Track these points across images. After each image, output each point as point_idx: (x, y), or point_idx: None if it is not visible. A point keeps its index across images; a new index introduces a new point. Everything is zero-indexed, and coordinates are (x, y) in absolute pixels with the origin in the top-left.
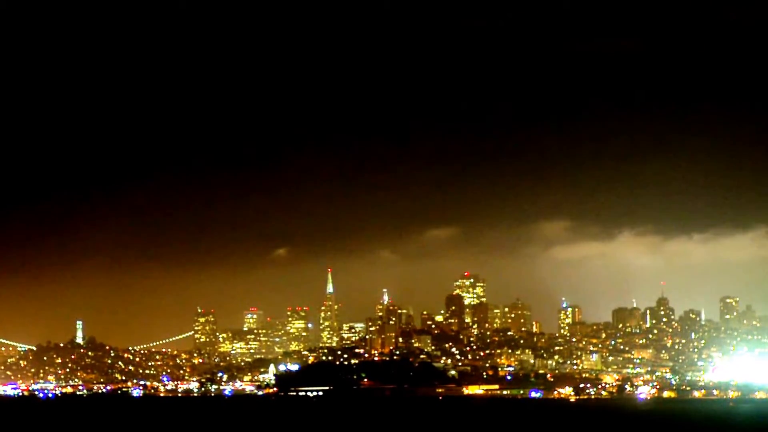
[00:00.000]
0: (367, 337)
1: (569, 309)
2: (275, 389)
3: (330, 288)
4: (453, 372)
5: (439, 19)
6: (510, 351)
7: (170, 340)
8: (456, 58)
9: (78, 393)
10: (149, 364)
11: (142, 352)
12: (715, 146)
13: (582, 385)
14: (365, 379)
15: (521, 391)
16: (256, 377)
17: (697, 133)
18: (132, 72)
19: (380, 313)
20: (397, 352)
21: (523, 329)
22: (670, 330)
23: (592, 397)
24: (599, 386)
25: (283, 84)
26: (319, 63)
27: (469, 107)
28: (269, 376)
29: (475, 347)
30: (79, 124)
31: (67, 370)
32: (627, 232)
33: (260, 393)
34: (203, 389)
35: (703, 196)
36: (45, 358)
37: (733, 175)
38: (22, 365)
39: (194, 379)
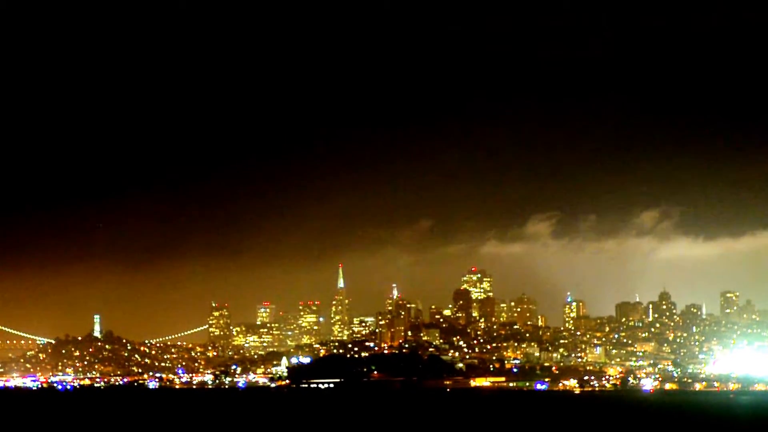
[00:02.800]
0: (377, 330)
1: (574, 303)
2: (287, 381)
3: (341, 283)
4: (460, 365)
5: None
6: (516, 344)
7: (185, 333)
8: (456, 57)
9: (95, 385)
10: (165, 357)
11: (158, 345)
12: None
13: (586, 378)
14: (375, 372)
15: (527, 384)
16: (268, 370)
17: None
18: (139, 74)
19: (390, 308)
20: (406, 346)
21: (528, 323)
22: (672, 324)
23: (596, 389)
24: (603, 378)
25: (290, 79)
26: (318, 59)
27: (476, 104)
28: (282, 369)
29: (482, 341)
30: (99, 127)
31: (85, 362)
32: (629, 229)
33: (273, 385)
34: (217, 381)
35: (704, 194)
36: (63, 351)
37: (738, 175)
38: (41, 358)
39: (209, 371)
